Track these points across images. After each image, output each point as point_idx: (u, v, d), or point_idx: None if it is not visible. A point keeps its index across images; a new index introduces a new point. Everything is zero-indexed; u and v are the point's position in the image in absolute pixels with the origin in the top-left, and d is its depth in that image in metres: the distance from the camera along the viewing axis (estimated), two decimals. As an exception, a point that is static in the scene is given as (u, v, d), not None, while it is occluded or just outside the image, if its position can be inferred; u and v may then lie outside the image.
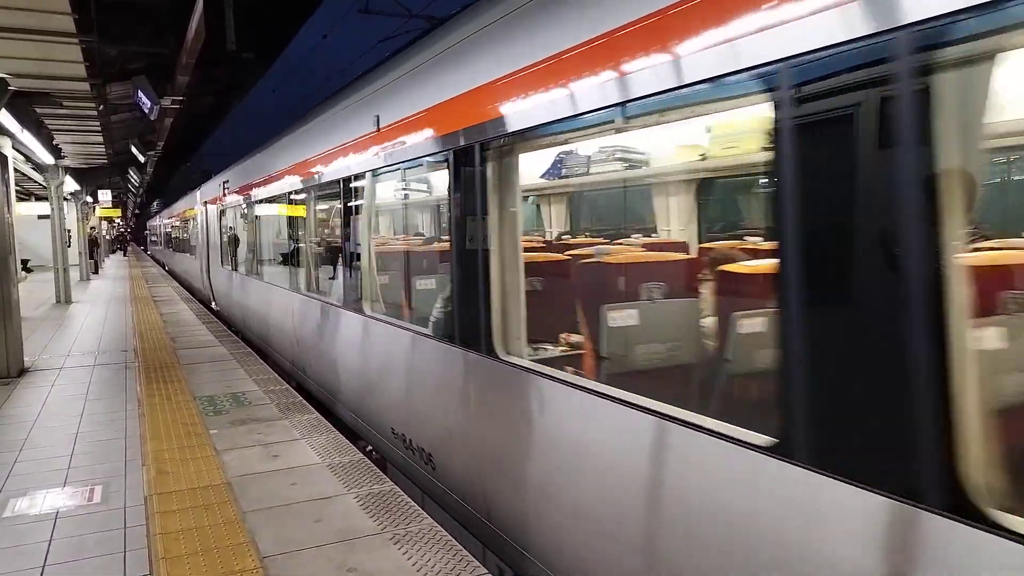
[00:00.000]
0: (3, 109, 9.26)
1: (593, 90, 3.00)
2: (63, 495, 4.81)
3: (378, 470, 5.06)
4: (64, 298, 17.22)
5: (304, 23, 11.06)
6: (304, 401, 7.12)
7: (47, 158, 15.70)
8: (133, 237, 64.16)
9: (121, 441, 5.96)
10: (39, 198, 26.19)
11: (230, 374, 8.46)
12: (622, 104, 2.86)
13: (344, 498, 4.51)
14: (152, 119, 13.10)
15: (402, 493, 4.58)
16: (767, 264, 2.41)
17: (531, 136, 3.62)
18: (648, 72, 2.69)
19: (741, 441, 2.36)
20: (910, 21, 1.80)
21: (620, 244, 6.13)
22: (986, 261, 2.90)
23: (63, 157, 17.51)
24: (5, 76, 8.31)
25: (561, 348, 4.46)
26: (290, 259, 9.30)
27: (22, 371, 8.87)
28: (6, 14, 6.21)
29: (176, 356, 9.68)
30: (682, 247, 5.64)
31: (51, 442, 5.99)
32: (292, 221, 9.28)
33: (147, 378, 8.24)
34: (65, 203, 19.60)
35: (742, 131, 4.09)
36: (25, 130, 11.60)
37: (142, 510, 4.48)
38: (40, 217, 24.28)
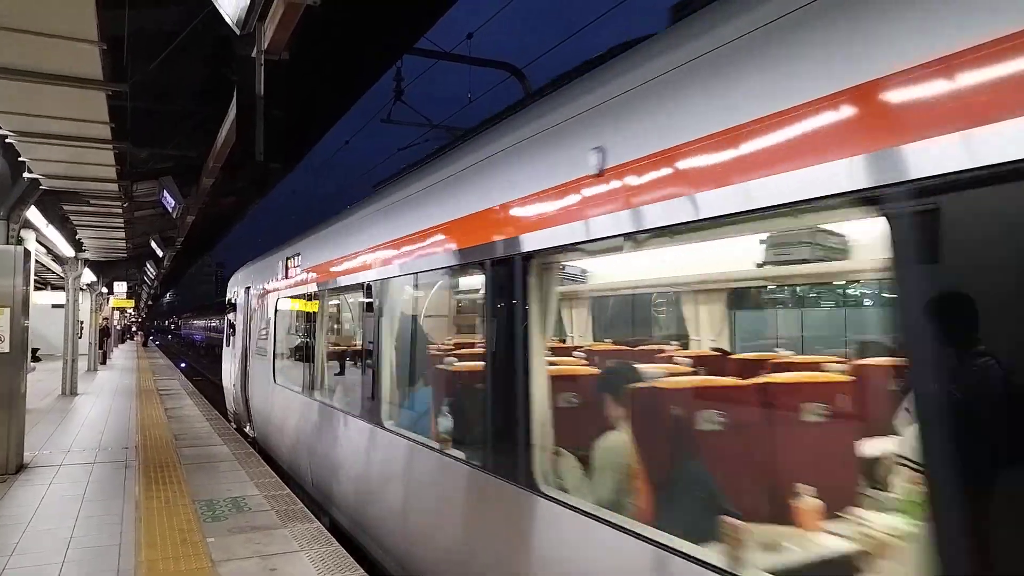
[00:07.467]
0: (32, 206, 9.58)
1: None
2: (50, 608, 4.61)
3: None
4: (70, 390, 17.14)
5: (328, 131, 11.53)
6: (305, 508, 6.93)
7: (68, 251, 16.03)
8: (141, 327, 64.04)
9: (115, 548, 5.76)
10: (55, 287, 26.56)
11: (231, 475, 8.29)
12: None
13: (343, 621, 4.30)
14: (174, 217, 13.48)
15: (404, 617, 4.37)
16: None
17: None
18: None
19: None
20: None
21: None
22: None
23: (84, 250, 17.90)
24: (37, 177, 8.63)
25: None
26: None
27: (20, 467, 8.70)
28: (47, 122, 6.53)
29: (177, 454, 9.52)
30: None
31: (43, 547, 5.80)
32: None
33: (146, 479, 8.07)
34: (80, 293, 19.86)
35: None
36: (50, 225, 11.91)
37: (131, 628, 4.28)
38: (54, 306, 24.56)
